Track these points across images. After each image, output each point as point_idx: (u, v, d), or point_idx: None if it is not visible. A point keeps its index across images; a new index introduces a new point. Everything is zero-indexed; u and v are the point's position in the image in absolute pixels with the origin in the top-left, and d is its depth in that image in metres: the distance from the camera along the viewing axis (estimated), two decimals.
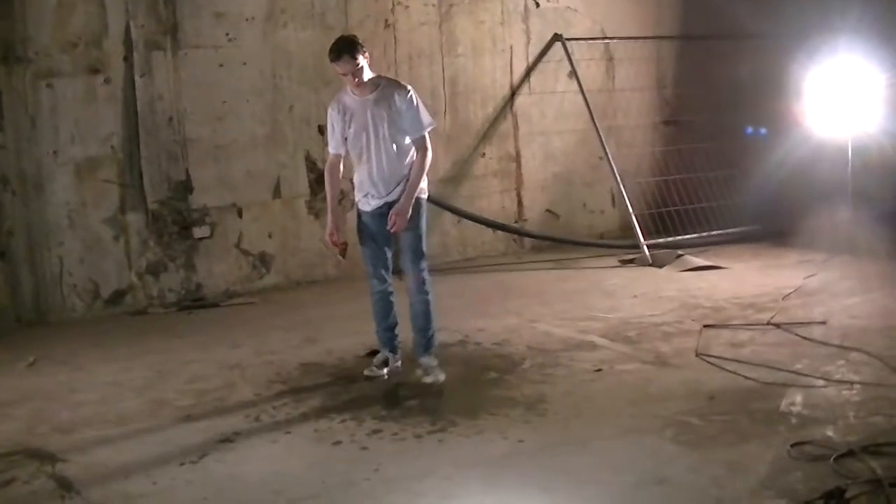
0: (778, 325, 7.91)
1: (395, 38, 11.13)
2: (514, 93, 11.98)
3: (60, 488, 5.53)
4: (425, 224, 7.09)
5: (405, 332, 7.35)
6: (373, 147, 6.88)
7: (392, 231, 6.89)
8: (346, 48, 6.70)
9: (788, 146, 11.16)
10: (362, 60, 6.72)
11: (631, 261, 10.97)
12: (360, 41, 6.82)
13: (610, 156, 11.55)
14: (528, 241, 12.05)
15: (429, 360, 7.11)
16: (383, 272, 7.15)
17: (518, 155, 12.06)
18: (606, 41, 12.47)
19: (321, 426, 6.24)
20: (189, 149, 10.08)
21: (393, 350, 7.28)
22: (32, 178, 9.59)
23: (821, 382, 6.47)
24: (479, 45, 11.71)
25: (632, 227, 11.26)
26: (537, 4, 11.98)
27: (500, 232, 11.85)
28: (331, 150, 7.20)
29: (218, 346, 8.44)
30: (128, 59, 9.80)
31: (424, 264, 7.07)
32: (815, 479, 4.95)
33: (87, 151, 9.75)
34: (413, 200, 6.89)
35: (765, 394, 6.34)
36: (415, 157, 6.94)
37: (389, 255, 7.16)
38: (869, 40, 10.37)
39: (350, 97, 6.95)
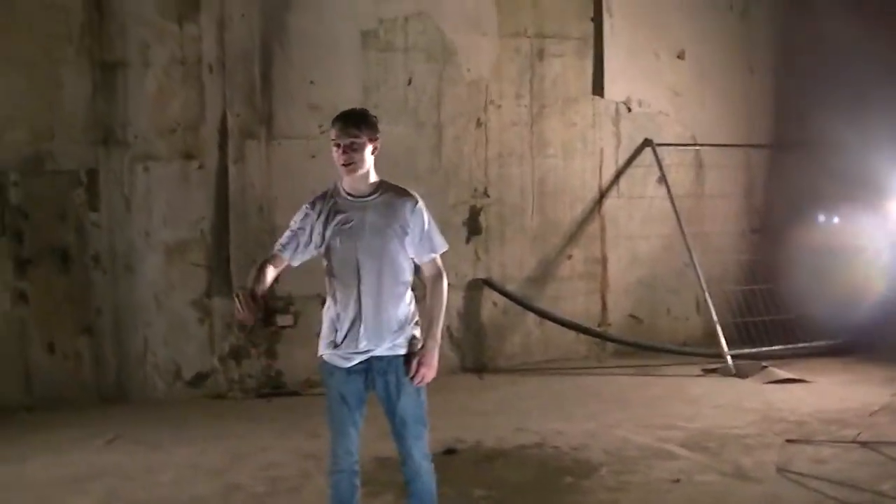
0: (864, 444, 7.69)
1: (486, 136, 11.21)
2: (602, 195, 11.97)
3: None
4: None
5: None
6: (367, 271, 5.14)
7: (417, 384, 5.20)
8: (358, 117, 5.19)
9: (879, 260, 11.01)
10: (368, 144, 5.11)
11: (714, 370, 10.80)
12: (375, 120, 5.22)
13: (696, 262, 11.47)
14: (610, 345, 11.92)
15: None
16: (352, 445, 5.32)
17: (604, 258, 12.01)
18: (696, 147, 12.43)
19: None
20: (277, 236, 10.13)
21: None
22: (123, 258, 9.80)
23: None
24: (570, 147, 11.75)
25: (715, 336, 11.12)
26: (629, 109, 12.02)
27: (582, 335, 11.77)
28: (277, 250, 5.35)
29: (296, 434, 8.43)
30: (222, 146, 10.01)
31: (426, 433, 5.35)
32: None
33: (177, 234, 9.94)
34: (393, 316, 5.19)
35: None
36: (428, 290, 5.32)
37: (361, 425, 5.35)
38: None
39: (342, 197, 5.22)
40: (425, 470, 5.34)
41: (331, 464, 5.38)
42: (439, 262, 5.32)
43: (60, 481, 7.26)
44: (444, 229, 10.42)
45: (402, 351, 5.21)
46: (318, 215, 5.21)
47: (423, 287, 5.33)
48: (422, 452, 5.31)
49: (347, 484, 5.36)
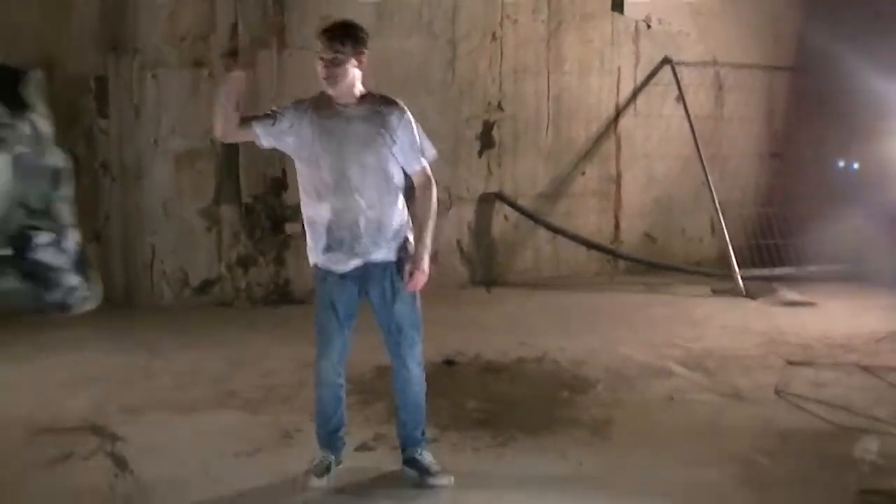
0: (865, 368, 7.61)
1: (501, 52, 11.07)
2: (619, 114, 11.82)
3: (115, 467, 5.63)
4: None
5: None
6: (357, 179, 5.09)
7: (409, 290, 5.22)
8: (343, 34, 5.05)
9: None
10: (352, 59, 5.03)
11: (724, 291, 10.73)
12: (363, 35, 5.12)
13: (712, 184, 11.33)
14: (621, 263, 11.87)
15: (431, 459, 5.44)
16: (339, 357, 5.37)
17: (619, 176, 11.90)
18: (717, 68, 12.23)
19: (382, 430, 6.16)
20: None
21: (337, 452, 5.50)
22: (132, 166, 9.80)
23: None
24: (587, 64, 11.59)
25: (728, 257, 11.04)
26: (648, 26, 11.82)
27: (594, 252, 11.69)
28: (251, 116, 5.18)
29: (297, 342, 8.32)
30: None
31: (421, 342, 5.40)
32: None
33: (187, 143, 9.91)
34: (386, 223, 5.19)
35: (840, 438, 6.09)
36: (418, 198, 5.28)
37: (349, 337, 5.37)
38: None
39: (328, 105, 5.14)
40: (417, 378, 5.40)
41: (316, 376, 5.44)
42: (428, 170, 5.29)
43: (59, 382, 7.32)
44: (457, 143, 10.57)
45: (397, 256, 5.23)
46: (304, 115, 5.13)
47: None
48: (415, 360, 5.38)
49: (331, 398, 5.44)
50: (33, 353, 8.10)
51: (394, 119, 5.14)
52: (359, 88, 5.15)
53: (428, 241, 5.22)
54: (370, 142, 5.11)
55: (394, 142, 5.13)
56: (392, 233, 5.20)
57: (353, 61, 5.06)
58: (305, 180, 5.23)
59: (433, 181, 5.29)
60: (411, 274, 5.16)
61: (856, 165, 11.64)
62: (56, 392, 7.08)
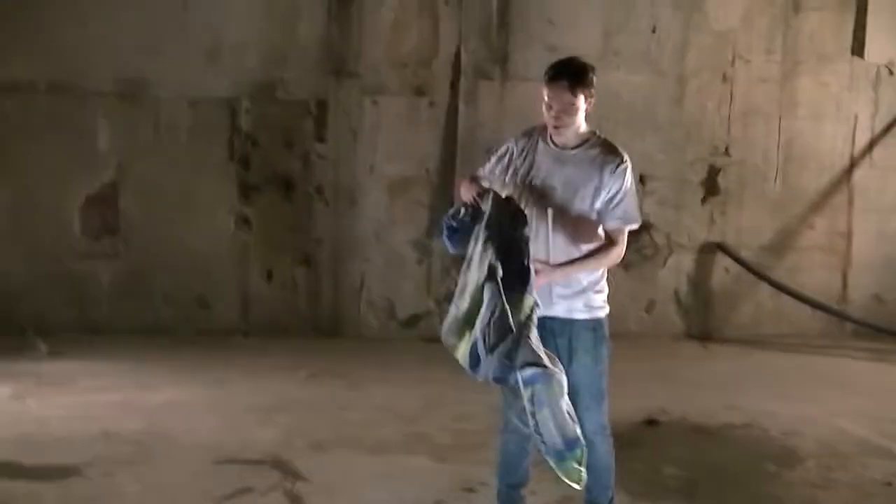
0: None
1: (731, 93, 10.54)
2: (853, 165, 11.11)
3: None
4: (607, 353, 4.98)
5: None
6: (554, 225, 4.76)
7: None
8: (571, 72, 4.73)
9: None
10: (582, 101, 4.74)
11: None
12: (593, 76, 4.82)
13: None
14: (849, 325, 11.12)
15: None
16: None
17: (849, 231, 11.18)
18: None
19: (566, 491, 5.81)
20: None
21: None
22: (346, 191, 9.81)
23: None
24: (821, 110, 10.88)
25: None
26: (891, 72, 11.05)
27: (819, 311, 11.00)
28: (478, 173, 5.06)
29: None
30: (454, 84, 9.85)
31: (606, 407, 5.02)
32: None
33: (402, 170, 9.88)
34: (573, 276, 4.81)
35: None
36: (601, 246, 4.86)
37: None
38: None
39: (543, 144, 4.87)
40: (599, 442, 4.97)
41: (504, 423, 5.10)
42: (623, 234, 4.84)
43: (253, 409, 7.33)
44: (680, 187, 10.18)
45: (581, 316, 4.83)
46: (519, 154, 4.90)
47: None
48: (596, 424, 4.94)
49: (516, 447, 5.10)
50: (231, 377, 8.24)
51: (608, 169, 4.74)
52: (583, 128, 4.85)
53: (565, 270, 4.75)
54: (575, 191, 4.75)
55: (598, 193, 4.74)
56: (578, 288, 4.81)
57: (585, 105, 4.78)
58: None
59: (620, 247, 4.85)
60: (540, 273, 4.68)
61: None
62: (246, 420, 7.08)
